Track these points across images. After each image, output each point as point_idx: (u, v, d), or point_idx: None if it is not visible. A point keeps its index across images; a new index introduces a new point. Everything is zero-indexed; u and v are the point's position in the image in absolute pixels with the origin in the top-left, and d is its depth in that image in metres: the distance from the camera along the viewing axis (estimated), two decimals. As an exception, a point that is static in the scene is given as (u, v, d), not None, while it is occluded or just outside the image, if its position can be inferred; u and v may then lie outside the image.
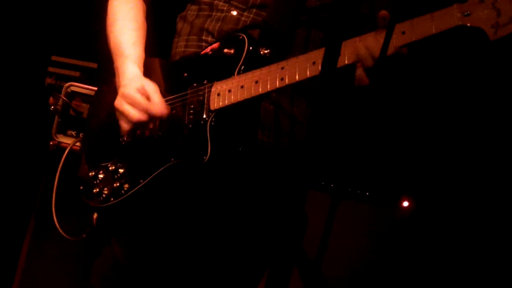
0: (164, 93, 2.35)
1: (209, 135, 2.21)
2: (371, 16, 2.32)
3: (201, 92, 2.28)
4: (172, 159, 2.25)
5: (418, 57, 2.10)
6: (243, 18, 2.36)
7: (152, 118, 2.27)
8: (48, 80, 3.54)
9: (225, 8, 2.39)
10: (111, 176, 2.35)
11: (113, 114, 2.34)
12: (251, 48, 2.26)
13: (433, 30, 1.97)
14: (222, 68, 2.28)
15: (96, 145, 2.47)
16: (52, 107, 3.25)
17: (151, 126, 2.31)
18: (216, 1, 2.42)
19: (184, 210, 2.34)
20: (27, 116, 4.12)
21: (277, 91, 2.22)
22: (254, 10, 2.36)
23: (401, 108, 4.11)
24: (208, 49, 2.36)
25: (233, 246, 2.36)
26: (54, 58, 3.66)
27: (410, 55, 2.10)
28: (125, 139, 2.36)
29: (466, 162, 4.18)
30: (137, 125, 2.30)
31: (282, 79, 2.15)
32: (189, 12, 2.51)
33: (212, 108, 2.25)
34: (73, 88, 3.33)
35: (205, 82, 2.29)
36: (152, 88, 2.29)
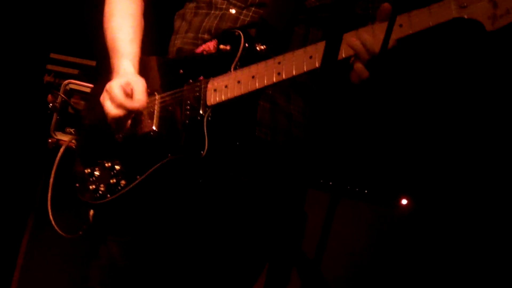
0: (160, 90, 2.35)
1: (206, 131, 2.21)
2: (364, 17, 2.32)
3: (197, 88, 2.28)
4: (169, 155, 2.24)
5: (416, 55, 2.10)
6: (241, 17, 2.36)
7: (129, 113, 2.27)
8: (47, 78, 3.53)
9: (223, 6, 2.39)
10: (107, 173, 2.35)
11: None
12: (247, 44, 2.26)
13: (430, 22, 1.99)
14: (218, 65, 2.28)
15: (92, 142, 2.47)
16: (51, 104, 3.24)
17: (129, 122, 2.31)
18: None
19: (182, 206, 2.34)
20: (26, 114, 4.11)
21: (274, 86, 2.22)
22: (253, 9, 2.36)
23: (399, 106, 4.11)
24: (201, 48, 2.36)
25: (231, 242, 2.35)
26: (52, 55, 3.66)
27: (408, 52, 2.10)
28: (120, 135, 2.36)
29: (464, 160, 4.17)
30: (116, 121, 2.30)
31: (279, 73, 2.15)
32: (187, 10, 2.51)
33: (209, 103, 2.25)
34: (71, 86, 3.33)
35: (201, 78, 2.29)
36: (137, 85, 2.30)
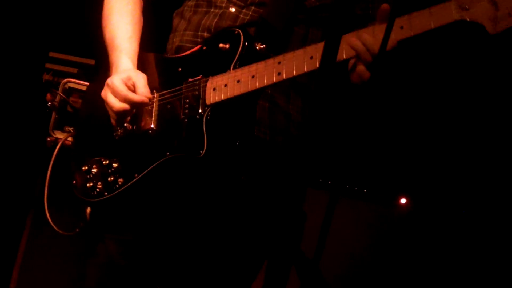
0: (159, 88, 2.35)
1: (205, 130, 2.21)
2: (364, 18, 2.32)
3: (197, 87, 2.28)
4: (168, 154, 2.24)
5: (416, 54, 2.10)
6: (241, 16, 2.35)
7: (134, 106, 2.27)
8: (46, 77, 3.53)
9: (223, 5, 2.38)
10: (105, 171, 2.34)
11: (106, 108, 2.34)
12: (246, 43, 2.25)
13: (432, 24, 1.98)
14: (217, 63, 2.28)
15: (89, 140, 2.46)
16: (50, 103, 3.23)
17: (128, 118, 2.31)
18: None
19: (180, 205, 2.33)
20: (25, 112, 4.11)
21: (274, 86, 2.21)
22: (253, 8, 2.35)
23: (398, 105, 4.11)
24: (193, 49, 2.36)
25: (229, 241, 2.35)
26: (51, 54, 3.66)
27: (408, 52, 2.10)
28: (119, 133, 2.36)
29: (463, 159, 4.17)
30: (120, 115, 2.29)
31: (279, 73, 2.15)
32: (185, 8, 2.50)
33: (208, 102, 2.24)
34: (70, 85, 3.32)
35: (200, 76, 2.29)
36: (138, 79, 2.29)
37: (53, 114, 3.30)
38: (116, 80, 2.28)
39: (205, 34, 2.38)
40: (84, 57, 3.61)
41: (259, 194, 2.34)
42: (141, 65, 2.40)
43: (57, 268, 3.66)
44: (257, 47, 2.26)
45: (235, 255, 2.36)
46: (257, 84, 2.18)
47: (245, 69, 2.21)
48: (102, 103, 2.34)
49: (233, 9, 2.37)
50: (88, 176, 2.36)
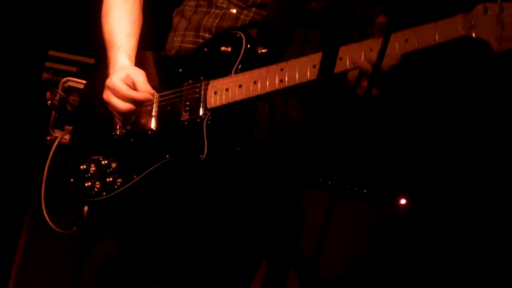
0: (159, 87, 2.34)
1: (206, 134, 2.20)
2: (363, 23, 2.31)
3: (197, 89, 2.26)
4: (167, 156, 2.23)
5: (418, 60, 2.09)
6: (242, 17, 2.34)
7: (138, 104, 2.26)
8: (45, 75, 3.52)
9: (224, 5, 2.37)
10: (103, 170, 2.33)
11: (105, 107, 2.33)
12: (248, 46, 2.24)
13: (437, 39, 1.96)
14: (218, 66, 2.26)
15: (87, 138, 2.45)
16: (49, 102, 3.24)
17: (133, 117, 2.30)
18: None
19: (179, 207, 2.33)
20: (24, 111, 4.10)
21: (276, 92, 2.20)
22: (254, 9, 2.34)
23: (398, 105, 4.10)
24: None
25: (227, 242, 2.35)
26: (51, 53, 3.65)
27: (413, 67, 2.09)
28: (118, 132, 2.35)
29: (463, 158, 4.17)
30: (126, 115, 2.28)
31: (281, 80, 2.13)
32: (186, 7, 2.49)
33: (209, 106, 2.23)
34: (70, 83, 3.32)
35: (201, 79, 2.27)
36: (138, 77, 2.28)
37: (53, 113, 3.31)
38: (115, 80, 2.27)
39: (206, 35, 2.37)
40: (84, 55, 3.60)
41: (258, 195, 2.34)
42: (140, 64, 2.39)
43: (56, 267, 3.65)
44: (259, 51, 2.25)
45: (233, 256, 2.36)
46: (259, 90, 2.16)
47: (247, 74, 2.19)
48: (101, 101, 2.32)
49: (234, 10, 2.36)
50: (87, 175, 2.36)
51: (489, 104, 4.06)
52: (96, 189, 2.32)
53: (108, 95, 2.28)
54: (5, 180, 4.12)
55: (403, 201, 4.08)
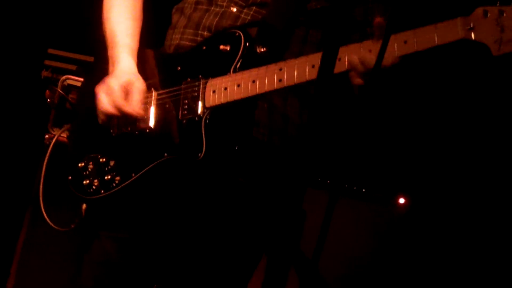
0: (157, 85, 2.34)
1: (204, 132, 2.20)
2: (364, 23, 2.31)
3: (196, 88, 2.26)
4: (166, 154, 2.23)
5: (417, 61, 2.08)
6: (242, 15, 2.34)
7: (124, 115, 2.25)
8: (45, 73, 3.52)
9: (224, 4, 2.37)
10: (101, 168, 2.33)
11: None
12: (247, 44, 2.24)
13: (436, 41, 1.95)
14: (217, 65, 2.26)
15: (85, 135, 2.44)
16: (49, 100, 3.24)
17: (122, 122, 2.30)
18: None
19: (177, 205, 2.33)
20: (23, 109, 4.10)
21: (275, 92, 2.20)
22: (254, 8, 2.34)
23: (397, 105, 4.10)
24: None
25: (225, 241, 2.34)
26: (50, 51, 3.64)
27: (411, 68, 2.09)
28: (115, 130, 2.34)
29: (462, 158, 4.17)
30: (107, 117, 2.28)
31: (280, 80, 2.13)
32: (186, 5, 2.48)
33: (207, 105, 2.23)
34: (69, 82, 3.32)
35: (200, 77, 2.27)
36: (137, 87, 2.27)
37: (52, 111, 3.31)
38: (114, 83, 2.26)
39: (206, 33, 2.37)
40: (83, 54, 3.60)
41: (257, 195, 2.34)
42: (139, 61, 2.38)
43: (55, 265, 3.64)
44: (258, 50, 2.25)
45: (230, 255, 2.36)
46: (257, 89, 2.16)
47: (246, 73, 2.19)
48: None
49: (234, 9, 2.35)
50: (85, 173, 2.35)
51: (488, 104, 4.06)
52: (94, 187, 2.32)
53: (100, 90, 2.29)
54: (4, 179, 4.12)
55: (402, 201, 4.07)
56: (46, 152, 2.76)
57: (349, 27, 2.20)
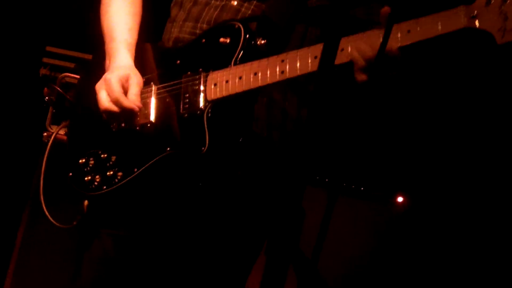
0: (157, 79, 2.33)
1: (207, 126, 2.18)
2: (367, 22, 2.30)
3: (197, 82, 2.25)
4: (168, 149, 2.22)
5: (418, 55, 2.08)
6: (242, 9, 2.33)
7: (124, 109, 2.25)
8: (43, 71, 3.51)
9: None
10: (103, 164, 2.32)
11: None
12: (247, 36, 2.23)
13: (440, 30, 1.95)
14: (217, 57, 2.25)
15: (85, 132, 2.43)
16: (47, 98, 3.22)
17: (122, 119, 2.29)
18: None
19: (179, 200, 2.31)
20: (21, 107, 4.09)
21: (277, 84, 2.19)
22: (255, 2, 2.33)
23: (396, 103, 4.10)
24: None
25: (224, 236, 2.34)
26: (49, 48, 3.64)
27: (410, 54, 2.08)
28: (116, 125, 2.34)
29: (461, 156, 4.18)
30: (107, 114, 2.28)
31: (282, 72, 2.12)
32: None
33: (209, 98, 2.22)
34: (68, 79, 3.32)
35: (200, 71, 2.26)
36: (134, 81, 2.27)
37: (50, 109, 3.30)
38: (113, 76, 2.26)
39: (205, 26, 2.35)
40: (82, 51, 3.59)
41: (255, 189, 2.33)
42: (138, 55, 2.38)
43: (54, 264, 3.64)
44: (258, 43, 2.24)
45: (229, 251, 2.36)
46: (259, 82, 2.15)
47: (247, 66, 2.18)
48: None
49: (234, 3, 2.34)
50: (86, 169, 2.34)
51: (489, 103, 4.06)
52: (96, 183, 2.31)
53: (100, 88, 2.29)
54: (2, 177, 4.11)
55: (401, 199, 4.08)
56: (45, 150, 2.75)
57: (351, 26, 2.20)
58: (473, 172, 4.14)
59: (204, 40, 2.31)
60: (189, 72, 2.28)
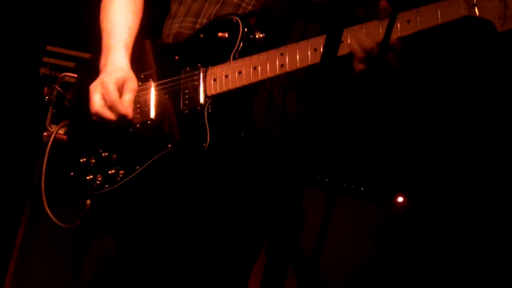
0: (155, 76, 2.32)
1: (207, 122, 2.17)
2: (368, 21, 2.30)
3: (196, 77, 2.24)
4: (169, 146, 2.21)
5: (417, 52, 2.07)
6: (243, 5, 2.32)
7: (117, 115, 2.24)
8: (43, 70, 3.51)
9: None
10: (104, 162, 2.31)
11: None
12: (246, 30, 2.22)
13: (440, 19, 1.95)
14: (216, 52, 2.24)
15: (84, 130, 2.41)
16: (47, 97, 3.23)
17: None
18: None
19: (182, 198, 2.30)
20: (21, 107, 4.09)
21: (276, 78, 2.18)
22: None
23: (396, 103, 4.10)
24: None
25: (225, 233, 2.33)
26: (49, 48, 3.64)
27: (410, 49, 2.08)
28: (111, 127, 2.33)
29: (461, 156, 4.17)
30: (97, 116, 2.26)
31: (282, 65, 2.11)
32: None
33: (209, 94, 2.21)
34: (68, 79, 3.32)
35: (199, 66, 2.25)
36: (130, 86, 2.26)
37: (50, 109, 3.30)
38: (110, 82, 2.24)
39: (205, 21, 2.34)
40: (82, 51, 3.59)
41: (255, 185, 2.32)
42: (136, 51, 2.37)
43: (54, 264, 3.64)
44: (257, 36, 2.23)
45: (230, 249, 2.35)
46: (259, 76, 2.14)
47: (246, 60, 2.17)
48: None
49: None
50: (87, 168, 2.33)
51: (488, 104, 4.06)
52: (98, 182, 2.29)
53: (95, 90, 2.26)
54: (2, 177, 4.11)
55: (401, 199, 4.07)
56: (45, 150, 2.75)
57: (352, 25, 2.19)
58: (473, 172, 4.13)
59: (202, 35, 2.30)
60: (188, 68, 2.27)
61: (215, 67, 2.22)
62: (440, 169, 4.20)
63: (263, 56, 2.15)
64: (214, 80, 2.20)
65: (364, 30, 2.04)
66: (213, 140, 2.15)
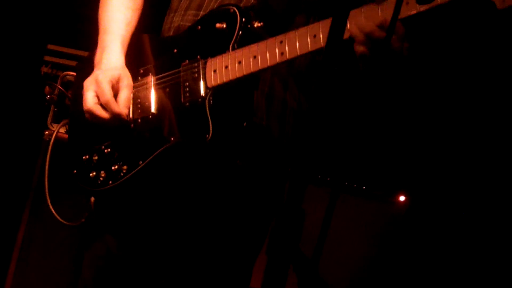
0: (154, 70, 2.31)
1: (209, 113, 2.16)
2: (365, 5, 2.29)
3: (196, 69, 2.23)
4: (172, 139, 2.21)
5: (419, 52, 2.06)
6: None
7: (111, 113, 2.23)
8: (44, 69, 3.52)
9: None
10: (107, 159, 2.30)
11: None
12: (244, 19, 2.20)
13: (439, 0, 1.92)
14: (214, 43, 2.22)
15: (86, 128, 2.40)
16: (48, 96, 3.23)
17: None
18: None
19: (185, 193, 2.29)
20: (23, 106, 4.09)
21: (276, 68, 2.17)
22: None
23: (397, 102, 4.10)
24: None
25: (226, 229, 2.32)
26: (50, 47, 3.64)
27: (413, 47, 2.07)
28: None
29: (462, 156, 4.17)
30: (90, 114, 2.26)
31: (282, 53, 2.09)
32: None
33: (209, 85, 2.19)
34: (69, 78, 3.31)
35: (198, 58, 2.24)
36: (125, 84, 2.26)
37: (52, 108, 3.30)
38: (105, 80, 2.24)
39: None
40: (83, 49, 3.59)
41: (254, 179, 2.31)
42: (135, 46, 2.36)
43: (55, 264, 3.64)
44: (255, 25, 2.21)
45: (230, 247, 2.34)
46: (259, 65, 2.12)
47: (246, 50, 2.16)
48: None
49: None
50: (90, 166, 2.33)
51: (488, 104, 4.05)
52: (102, 178, 2.29)
53: (89, 87, 2.26)
54: (3, 176, 4.11)
55: (402, 198, 4.07)
56: (47, 149, 2.74)
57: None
58: (474, 172, 4.13)
59: (200, 27, 2.28)
60: (187, 61, 2.26)
61: (214, 58, 2.20)
62: (442, 168, 4.20)
63: (262, 44, 2.13)
64: (214, 71, 2.19)
65: (363, 14, 2.03)
66: (215, 132, 2.13)
